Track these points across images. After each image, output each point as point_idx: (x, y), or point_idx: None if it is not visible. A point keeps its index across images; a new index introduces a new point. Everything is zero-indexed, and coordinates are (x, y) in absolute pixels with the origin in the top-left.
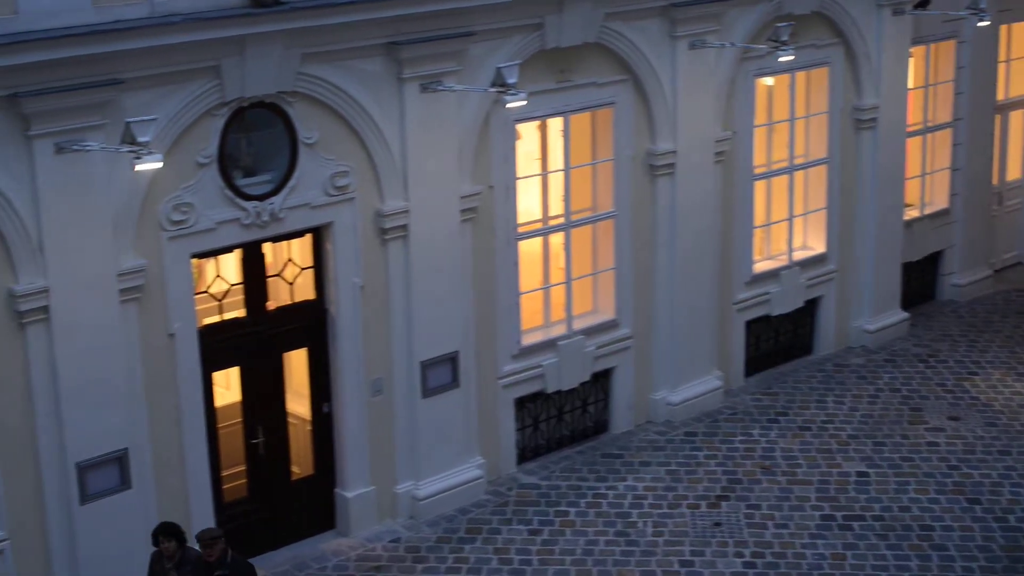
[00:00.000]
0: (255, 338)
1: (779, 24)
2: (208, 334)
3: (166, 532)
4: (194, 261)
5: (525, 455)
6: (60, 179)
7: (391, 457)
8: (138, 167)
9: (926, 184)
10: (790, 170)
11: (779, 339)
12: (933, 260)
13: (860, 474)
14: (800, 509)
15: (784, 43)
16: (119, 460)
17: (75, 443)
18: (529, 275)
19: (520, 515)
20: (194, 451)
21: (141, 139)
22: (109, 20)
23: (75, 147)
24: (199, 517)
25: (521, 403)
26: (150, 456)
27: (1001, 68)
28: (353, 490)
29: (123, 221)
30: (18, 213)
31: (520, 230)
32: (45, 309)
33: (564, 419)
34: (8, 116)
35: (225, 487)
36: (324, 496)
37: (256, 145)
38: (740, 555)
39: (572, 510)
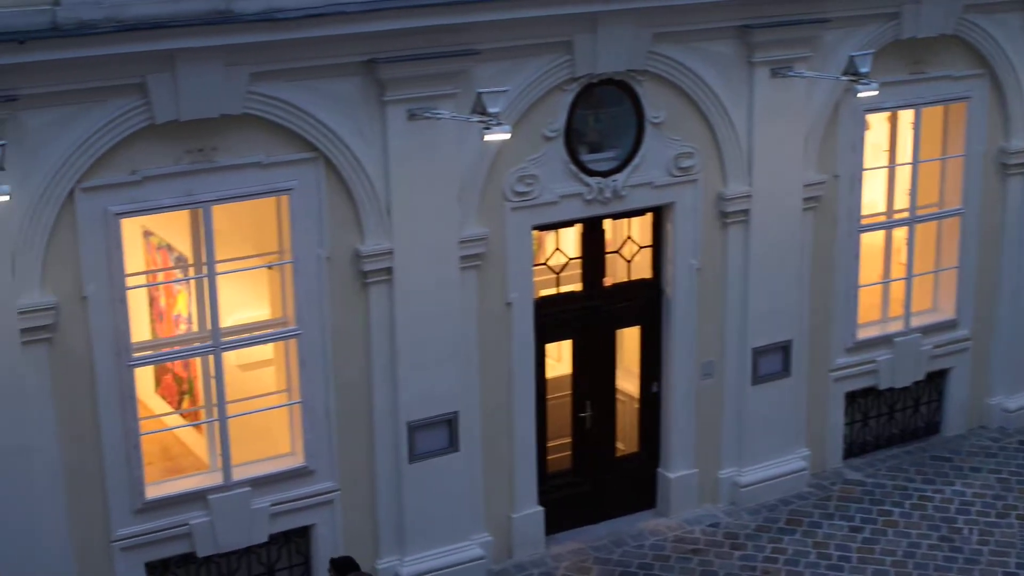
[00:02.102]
0: (590, 313)
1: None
2: (543, 305)
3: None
4: (534, 233)
5: (852, 451)
6: (410, 145)
7: (716, 441)
8: (487, 137)
9: None
10: None
11: None
12: None
13: None
14: None
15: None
16: (448, 423)
17: (408, 403)
18: (868, 268)
19: (842, 511)
20: (522, 420)
21: (491, 110)
22: None
23: (427, 114)
24: (522, 485)
25: (852, 398)
26: (479, 421)
27: None
28: (676, 471)
29: (468, 189)
30: (369, 176)
31: (863, 222)
32: (388, 271)
33: (895, 417)
34: (365, 81)
35: (549, 458)
36: (646, 475)
37: (603, 122)
38: None
39: (896, 510)
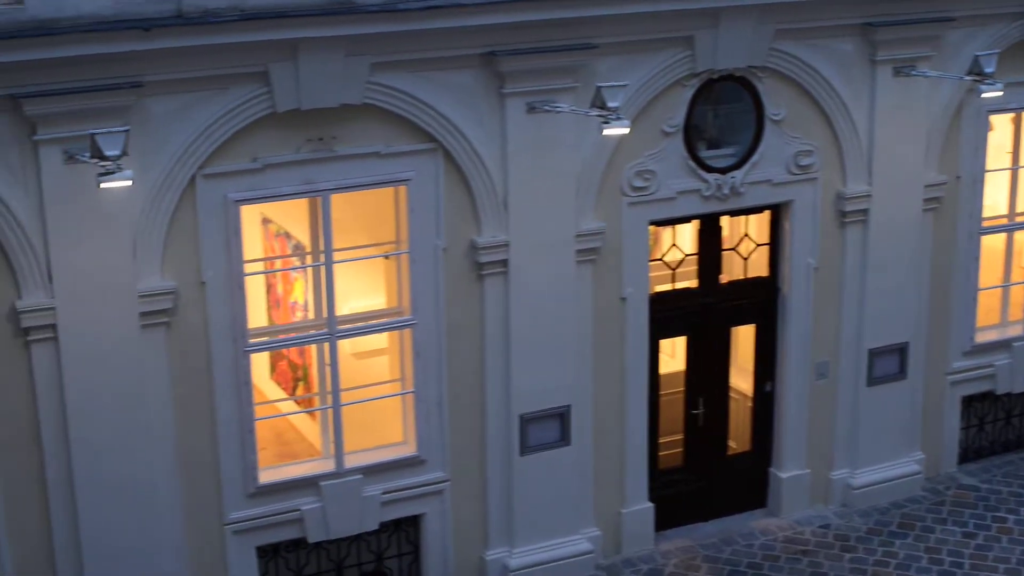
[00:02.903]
0: (705, 310)
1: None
2: (658, 301)
3: None
4: (651, 228)
5: (967, 455)
6: (529, 138)
7: (829, 442)
8: (606, 132)
9: None
10: None
11: None
12: None
13: None
14: None
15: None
16: (561, 416)
17: (520, 396)
18: (988, 271)
19: (955, 516)
20: (634, 415)
21: (611, 104)
22: None
23: (546, 108)
24: (633, 481)
25: (968, 402)
26: (591, 415)
27: None
28: (788, 471)
29: (585, 183)
30: (487, 168)
31: (984, 224)
32: (504, 263)
33: (1012, 423)
34: (485, 73)
35: (661, 454)
36: (758, 474)
37: (722, 118)
38: None
39: (1011, 517)
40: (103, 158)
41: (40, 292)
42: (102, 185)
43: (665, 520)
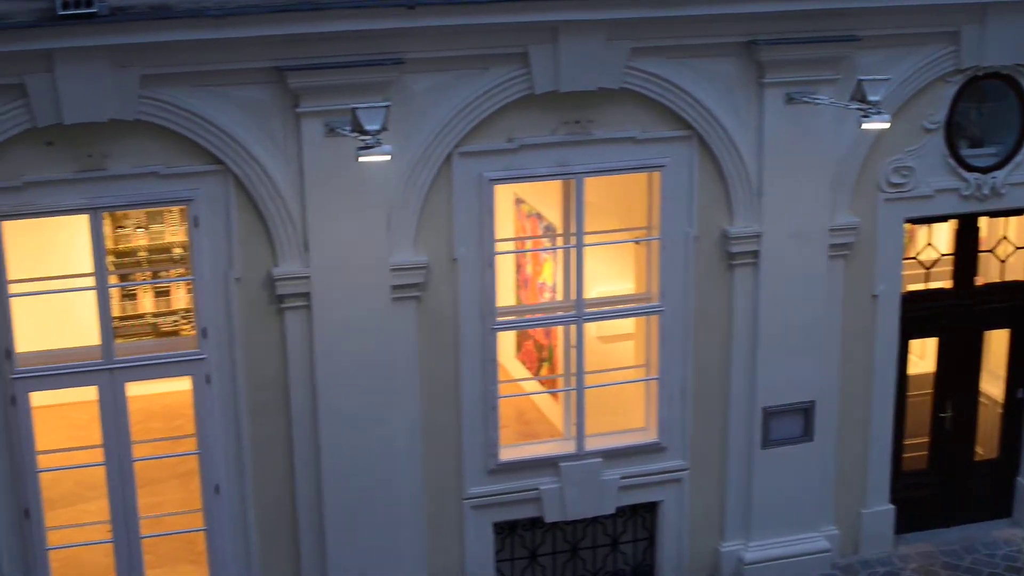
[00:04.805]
0: (958, 312)
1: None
2: (910, 300)
3: None
4: (906, 226)
5: None
6: (786, 129)
7: None
8: (865, 126)
9: None
10: None
11: None
12: None
13: None
14: None
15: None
16: (804, 411)
17: (765, 389)
18: None
19: None
20: (880, 414)
21: (871, 98)
22: None
23: (805, 99)
24: (875, 481)
25: None
26: (836, 412)
27: None
28: None
29: (841, 177)
30: (742, 157)
31: None
32: (755, 254)
33: None
34: (744, 63)
35: (905, 456)
36: (1005, 482)
37: (986, 116)
38: None
39: None
40: (363, 132)
41: (296, 261)
42: (361, 159)
43: (905, 523)
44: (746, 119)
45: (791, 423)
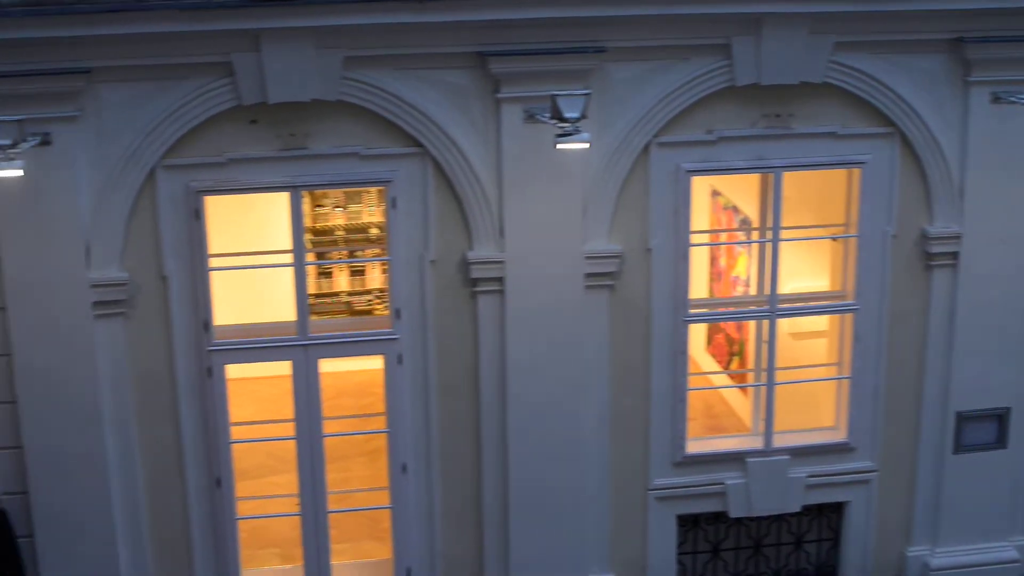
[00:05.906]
0: None
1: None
2: None
3: None
4: None
5: None
6: (991, 129)
7: None
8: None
9: None
10: None
11: None
12: None
13: None
14: None
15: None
16: (999, 417)
17: (959, 392)
18: None
19: None
20: None
21: None
22: None
23: (1012, 99)
24: None
25: None
26: None
27: None
28: None
29: None
30: (944, 157)
31: None
32: (954, 255)
33: None
34: (949, 59)
35: None
36: None
37: None
38: None
39: None
40: (562, 119)
41: (491, 245)
42: (559, 146)
43: None
44: (950, 118)
45: (985, 429)
